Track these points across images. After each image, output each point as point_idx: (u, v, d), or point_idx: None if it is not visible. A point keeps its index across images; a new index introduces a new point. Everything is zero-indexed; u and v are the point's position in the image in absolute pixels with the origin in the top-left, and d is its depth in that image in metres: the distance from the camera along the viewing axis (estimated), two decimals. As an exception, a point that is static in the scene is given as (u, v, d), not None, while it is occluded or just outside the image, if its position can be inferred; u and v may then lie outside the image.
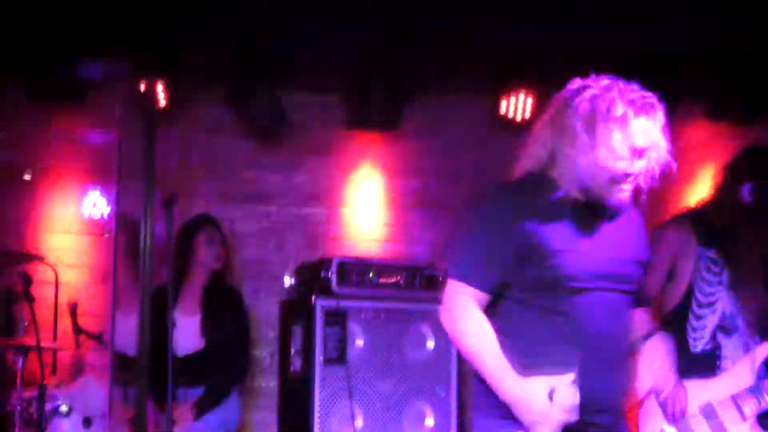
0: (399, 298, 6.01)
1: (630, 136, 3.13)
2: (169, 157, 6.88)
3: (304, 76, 6.89)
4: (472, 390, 3.34)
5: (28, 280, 5.60)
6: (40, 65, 6.25)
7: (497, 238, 3.20)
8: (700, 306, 4.63)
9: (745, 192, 4.51)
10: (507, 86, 6.85)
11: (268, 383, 6.85)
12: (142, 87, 5.75)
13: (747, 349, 4.62)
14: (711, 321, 4.61)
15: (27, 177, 6.80)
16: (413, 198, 7.22)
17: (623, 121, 3.12)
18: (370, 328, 5.90)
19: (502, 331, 3.18)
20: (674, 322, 4.66)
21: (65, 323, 6.21)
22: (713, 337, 4.61)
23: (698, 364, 4.60)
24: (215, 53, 6.54)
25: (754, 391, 4.51)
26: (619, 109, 3.12)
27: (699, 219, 4.70)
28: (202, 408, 5.79)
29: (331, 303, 5.83)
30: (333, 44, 6.44)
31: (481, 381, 3.21)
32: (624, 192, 3.20)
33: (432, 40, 6.39)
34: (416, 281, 6.06)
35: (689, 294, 4.66)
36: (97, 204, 6.80)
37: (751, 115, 6.86)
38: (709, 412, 4.53)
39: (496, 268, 3.20)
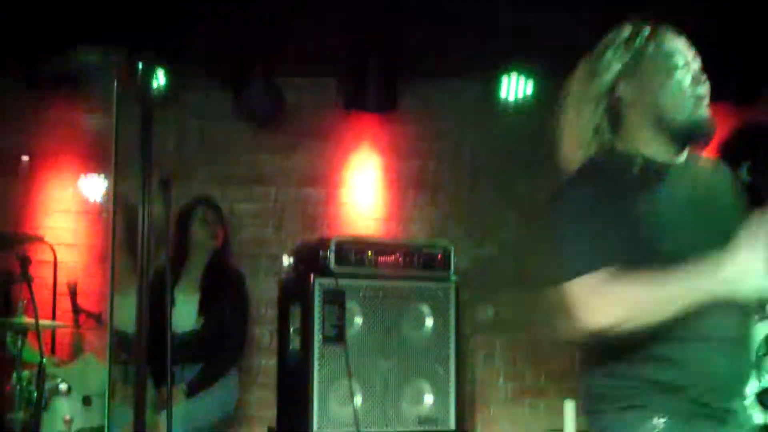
0: (397, 277, 6.00)
1: (684, 52, 2.97)
2: (167, 141, 6.92)
3: (301, 59, 6.90)
4: (589, 384, 2.96)
5: (26, 260, 5.59)
6: (38, 52, 6.26)
7: (599, 222, 2.82)
8: None
9: (743, 171, 4.50)
10: (505, 67, 6.86)
11: (267, 362, 6.89)
12: (139, 72, 5.74)
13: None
14: None
15: (25, 159, 6.83)
16: (411, 178, 7.24)
17: (671, 41, 2.96)
18: (368, 307, 5.90)
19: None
20: None
21: (64, 303, 6.23)
22: None
23: None
24: (211, 38, 6.55)
25: (753, 368, 4.53)
26: (664, 34, 2.95)
27: None
28: (194, 388, 5.83)
29: (329, 282, 5.83)
30: (329, 26, 6.44)
31: (606, 374, 2.87)
32: (707, 111, 2.91)
33: (429, 21, 6.39)
34: (414, 260, 6.06)
35: None
36: (94, 185, 6.82)
37: (749, 94, 6.86)
38: None
39: (608, 252, 2.76)
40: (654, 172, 2.85)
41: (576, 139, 3.01)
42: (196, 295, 6.00)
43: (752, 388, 4.51)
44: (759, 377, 4.52)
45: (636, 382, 2.79)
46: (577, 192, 2.93)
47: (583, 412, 2.94)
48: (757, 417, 4.57)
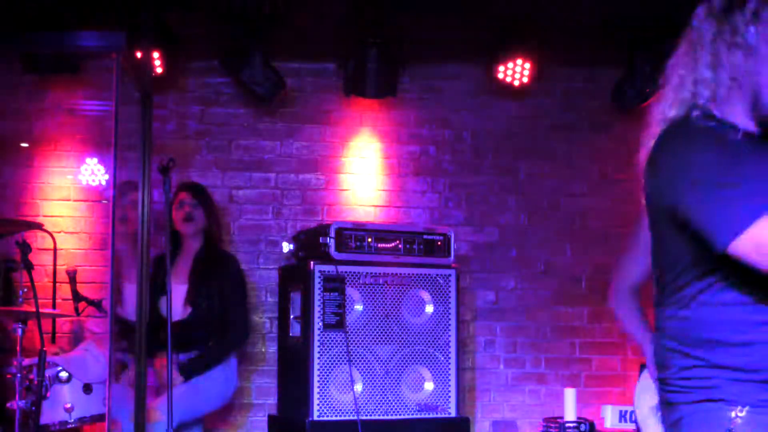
0: (397, 263, 6.01)
1: None
2: (166, 126, 6.90)
3: (300, 43, 6.89)
4: (667, 375, 2.82)
5: (26, 247, 5.59)
6: (35, 37, 6.24)
7: (737, 176, 2.60)
8: None
9: None
10: (504, 51, 6.84)
11: (267, 348, 6.89)
12: (138, 57, 5.73)
13: None
14: None
15: (24, 145, 6.83)
16: (411, 164, 7.22)
17: None
18: (368, 293, 5.91)
19: None
20: None
21: (64, 290, 6.22)
22: None
23: None
24: (210, 22, 6.53)
25: None
26: None
27: None
28: (189, 371, 5.81)
29: (329, 269, 5.83)
30: (329, 11, 6.42)
31: (684, 366, 2.74)
32: None
33: (428, 5, 6.38)
34: (415, 246, 6.06)
35: None
36: (94, 172, 6.81)
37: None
38: None
39: (761, 200, 2.56)
40: (752, 142, 2.73)
41: (675, 101, 2.83)
42: (186, 284, 5.99)
43: None
44: None
45: (714, 371, 2.71)
46: (700, 154, 2.68)
47: (659, 402, 2.87)
48: None
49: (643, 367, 4.77)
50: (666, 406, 2.84)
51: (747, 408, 2.66)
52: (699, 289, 2.72)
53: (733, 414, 2.67)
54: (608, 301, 4.64)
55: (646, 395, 4.68)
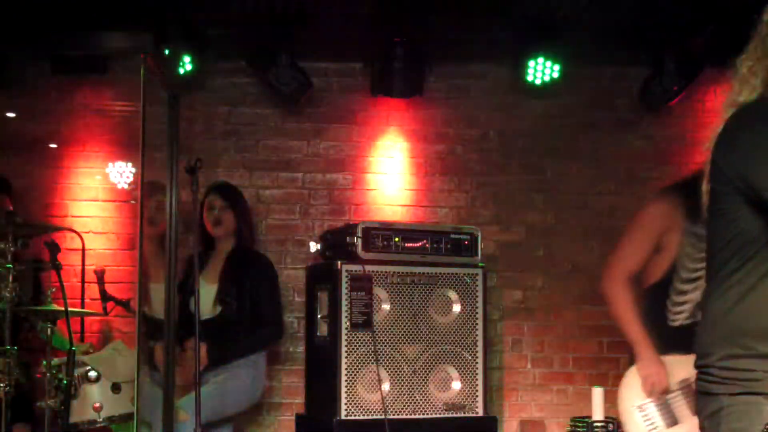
0: (424, 262, 6.00)
1: None
2: (193, 126, 6.93)
3: (327, 43, 6.90)
4: (708, 365, 2.82)
5: (55, 248, 5.63)
6: (64, 39, 6.27)
7: None
8: (683, 281, 4.61)
9: None
10: (531, 51, 6.83)
11: (295, 348, 6.90)
12: (165, 58, 5.76)
13: None
14: (693, 297, 4.57)
15: (53, 146, 6.87)
16: (438, 163, 7.22)
17: None
18: (395, 292, 5.90)
19: None
20: (655, 296, 4.69)
21: (93, 290, 6.26)
22: (694, 313, 4.56)
23: (675, 339, 4.57)
24: (237, 22, 6.54)
25: None
26: None
27: (687, 193, 4.65)
28: (215, 357, 5.75)
29: (356, 268, 5.83)
30: (356, 11, 6.42)
31: (726, 356, 2.75)
32: None
33: (455, 5, 6.37)
34: (442, 246, 6.06)
35: (673, 269, 4.63)
36: (122, 172, 6.85)
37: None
38: (686, 388, 4.53)
39: None
40: None
41: (744, 88, 2.91)
42: (216, 284, 6.01)
43: None
44: None
45: (760, 362, 2.69)
46: None
47: (699, 392, 2.85)
48: None
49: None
50: (705, 396, 2.82)
51: None
52: (756, 273, 2.72)
53: None
54: (602, 284, 4.72)
55: (631, 392, 4.68)
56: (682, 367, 4.51)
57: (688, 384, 4.52)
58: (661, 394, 4.58)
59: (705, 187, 2.93)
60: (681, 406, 4.56)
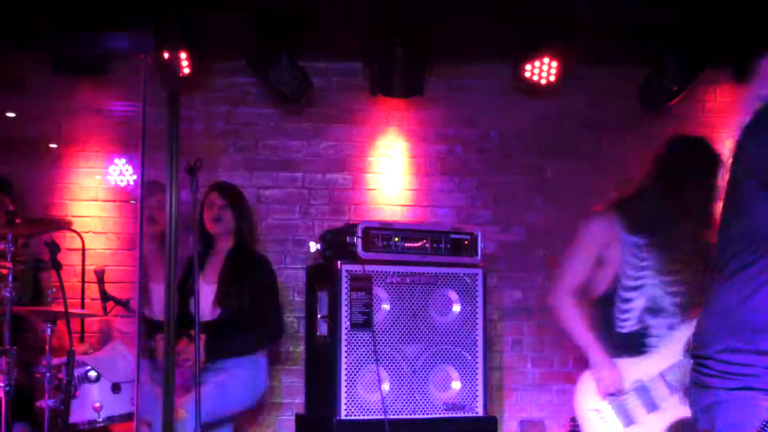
0: (424, 262, 6.00)
1: None
2: (193, 126, 6.93)
3: (327, 43, 6.91)
4: (706, 359, 2.83)
5: (55, 247, 5.63)
6: (64, 39, 6.27)
7: None
8: (626, 290, 4.78)
9: None
10: (531, 50, 6.84)
11: (295, 348, 6.91)
12: (165, 58, 5.75)
13: (673, 329, 4.75)
14: (638, 304, 4.75)
15: (53, 145, 6.88)
16: (438, 163, 7.22)
17: None
18: (395, 292, 5.90)
19: None
20: (603, 306, 4.86)
21: (93, 290, 6.25)
22: (641, 318, 4.75)
23: (626, 344, 4.77)
24: (237, 22, 6.55)
25: (681, 366, 4.65)
26: None
27: (625, 207, 4.88)
28: (212, 350, 5.69)
29: (356, 268, 5.83)
30: (355, 10, 6.43)
31: (724, 350, 2.77)
32: None
33: (455, 4, 6.37)
34: (442, 246, 6.05)
35: (617, 279, 4.81)
36: (122, 172, 6.85)
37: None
38: (640, 389, 4.71)
39: None
40: None
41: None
42: (215, 285, 6.00)
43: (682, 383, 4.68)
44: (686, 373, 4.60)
45: (759, 358, 2.71)
46: None
47: (693, 382, 2.88)
48: None
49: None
50: (699, 387, 2.84)
51: None
52: (763, 268, 2.73)
53: None
54: (551, 301, 5.01)
55: (586, 396, 4.80)
56: (634, 369, 4.73)
57: (641, 384, 4.71)
58: (615, 396, 4.70)
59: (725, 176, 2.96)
60: (636, 406, 4.71)
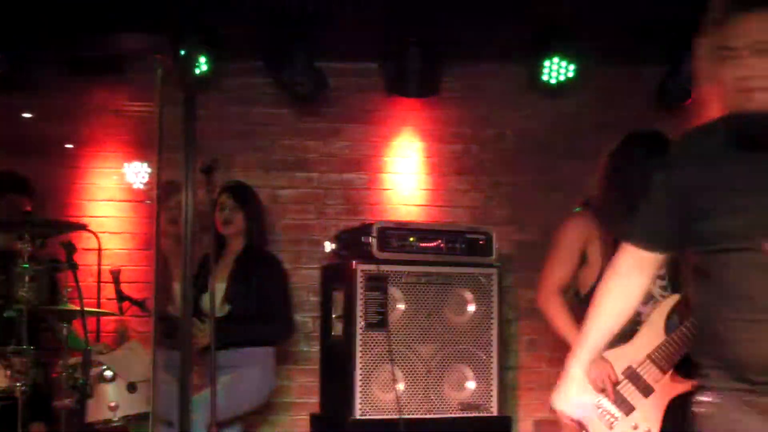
0: (440, 262, 6.00)
1: None
2: (209, 126, 6.95)
3: (342, 43, 6.91)
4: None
5: (71, 248, 5.67)
6: (81, 40, 6.31)
7: None
8: None
9: None
10: (546, 50, 6.84)
11: (310, 348, 6.92)
12: (181, 57, 5.79)
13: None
14: None
15: (69, 146, 6.91)
16: (453, 163, 7.23)
17: None
18: (411, 292, 5.90)
19: None
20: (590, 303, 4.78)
21: (109, 290, 6.28)
22: None
23: (619, 335, 4.69)
24: (253, 23, 6.56)
25: (667, 345, 4.68)
26: None
27: (597, 205, 4.97)
28: (222, 334, 5.55)
29: (371, 268, 5.84)
30: (371, 10, 6.44)
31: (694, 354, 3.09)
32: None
33: (470, 4, 6.38)
34: (457, 245, 6.05)
35: (602, 274, 4.74)
36: (138, 173, 6.88)
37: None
38: (632, 375, 4.71)
39: None
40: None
41: None
42: (225, 282, 6.03)
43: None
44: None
45: (706, 360, 2.95)
46: None
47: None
48: None
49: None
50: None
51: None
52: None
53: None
54: (537, 299, 5.09)
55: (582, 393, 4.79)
56: (622, 357, 4.71)
57: (632, 371, 4.71)
58: (611, 388, 4.68)
59: None
60: (632, 392, 4.70)
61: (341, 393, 5.85)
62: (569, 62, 6.81)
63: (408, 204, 7.16)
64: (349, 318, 5.85)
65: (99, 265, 6.46)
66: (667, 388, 4.68)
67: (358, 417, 5.71)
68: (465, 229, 6.16)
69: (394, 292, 5.88)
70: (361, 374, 5.74)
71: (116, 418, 5.38)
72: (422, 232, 6.06)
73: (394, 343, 5.78)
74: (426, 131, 7.24)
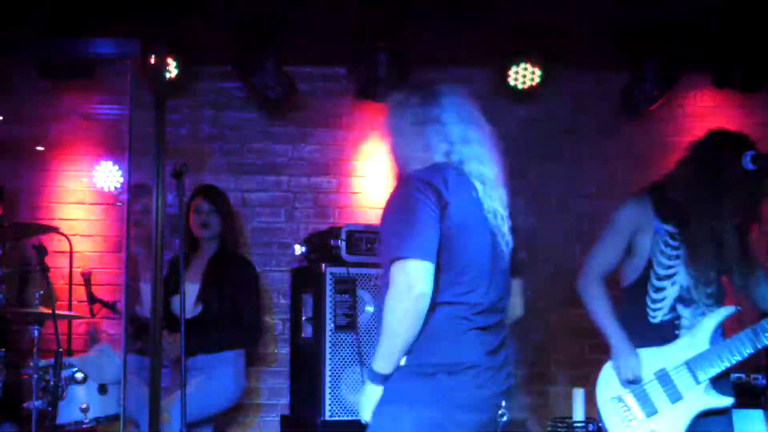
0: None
1: None
2: (179, 130, 6.98)
3: (311, 48, 6.95)
4: None
5: (42, 250, 5.67)
6: (52, 44, 6.31)
7: None
8: (659, 279, 4.68)
9: (747, 160, 4.52)
10: (514, 56, 6.89)
11: (280, 350, 6.95)
12: (152, 62, 5.81)
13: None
14: (670, 293, 4.67)
15: (39, 149, 6.91)
16: (421, 167, 7.26)
17: None
18: (379, 295, 5.95)
19: None
20: (634, 295, 4.77)
21: (80, 293, 6.30)
22: (673, 308, 4.67)
23: (656, 334, 4.69)
24: (223, 27, 6.59)
25: (708, 355, 4.60)
26: None
27: (659, 194, 4.77)
28: (192, 344, 5.54)
29: (340, 271, 5.89)
30: (339, 15, 6.47)
31: None
32: None
33: (438, 10, 6.42)
34: (424, 249, 6.10)
35: (648, 267, 4.72)
36: (109, 175, 6.89)
37: (755, 81, 6.89)
38: (663, 377, 4.63)
39: None
40: None
41: None
42: (197, 284, 6.06)
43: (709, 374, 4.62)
44: (714, 363, 4.62)
45: None
46: None
47: None
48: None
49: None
50: None
51: None
52: None
53: None
54: (578, 284, 4.88)
55: (607, 384, 4.76)
56: (658, 357, 4.65)
57: (665, 373, 4.63)
58: (637, 384, 4.65)
59: None
60: (659, 395, 4.63)
61: (311, 394, 5.90)
62: (536, 68, 6.87)
63: (376, 207, 7.19)
64: (318, 320, 5.89)
65: (70, 267, 6.48)
66: (697, 399, 4.60)
67: (327, 418, 5.76)
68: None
69: (363, 294, 5.94)
70: (330, 376, 5.79)
71: (87, 420, 5.38)
72: (390, 235, 6.10)
73: (363, 345, 5.84)
74: (395, 135, 7.28)
